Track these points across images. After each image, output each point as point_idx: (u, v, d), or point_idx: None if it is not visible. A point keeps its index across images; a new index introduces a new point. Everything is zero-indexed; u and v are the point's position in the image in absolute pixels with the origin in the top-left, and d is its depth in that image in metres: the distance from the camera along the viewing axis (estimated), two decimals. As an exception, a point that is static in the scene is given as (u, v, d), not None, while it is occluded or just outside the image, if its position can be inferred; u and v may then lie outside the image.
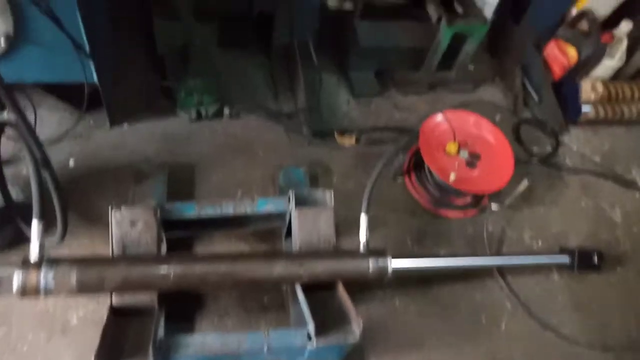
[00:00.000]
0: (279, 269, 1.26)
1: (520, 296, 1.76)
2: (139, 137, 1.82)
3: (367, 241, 1.42)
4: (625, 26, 2.30)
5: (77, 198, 1.58)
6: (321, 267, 1.33)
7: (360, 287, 1.65)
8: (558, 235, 1.97)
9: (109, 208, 1.25)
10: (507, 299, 1.76)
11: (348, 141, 2.04)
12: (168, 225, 1.44)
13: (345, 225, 1.66)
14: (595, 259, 1.85)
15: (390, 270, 1.41)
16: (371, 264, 1.38)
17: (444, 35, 2.05)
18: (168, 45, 1.78)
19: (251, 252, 1.39)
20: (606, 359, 1.69)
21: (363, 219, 1.41)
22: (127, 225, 1.24)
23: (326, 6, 2.17)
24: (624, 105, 2.37)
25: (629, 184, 2.23)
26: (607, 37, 2.25)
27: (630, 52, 2.39)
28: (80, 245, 1.50)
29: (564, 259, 1.82)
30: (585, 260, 1.83)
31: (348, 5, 2.18)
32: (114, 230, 1.24)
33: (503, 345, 1.64)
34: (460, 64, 2.25)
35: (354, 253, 1.41)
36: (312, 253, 1.38)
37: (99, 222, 1.53)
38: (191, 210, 1.37)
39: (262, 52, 2.17)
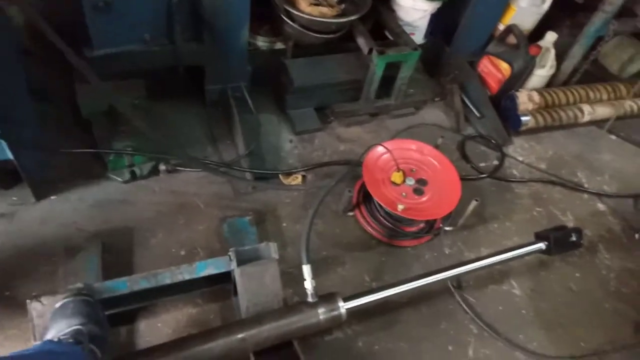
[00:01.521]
0: (219, 347, 1.17)
1: (484, 317, 1.73)
2: (68, 207, 1.71)
3: (314, 290, 1.37)
4: (550, 36, 2.38)
5: (1, 283, 1.47)
6: (267, 333, 1.26)
7: (322, 333, 1.59)
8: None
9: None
10: (471, 322, 1.72)
11: (294, 181, 2.00)
12: (106, 302, 1.34)
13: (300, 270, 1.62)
14: (574, 236, 1.83)
15: (343, 313, 1.37)
16: (321, 313, 1.34)
17: (377, 66, 2.06)
18: (92, 109, 1.70)
19: (183, 337, 1.29)
20: (574, 369, 1.67)
21: (305, 270, 1.37)
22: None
23: (257, 48, 2.15)
24: (560, 111, 2.43)
25: (576, 187, 2.26)
26: (534, 49, 2.32)
27: (559, 59, 2.47)
28: (7, 337, 1.38)
29: (540, 245, 1.79)
30: (562, 242, 1.81)
31: (279, 45, 2.16)
32: (36, 323, 1.14)
33: (473, 373, 1.60)
34: (398, 90, 2.26)
35: (301, 306, 1.36)
36: (254, 320, 1.31)
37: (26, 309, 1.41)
38: (123, 287, 1.28)
39: (196, 102, 2.12)
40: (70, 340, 1.11)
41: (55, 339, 1.11)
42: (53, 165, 1.73)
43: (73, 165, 1.78)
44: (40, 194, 1.68)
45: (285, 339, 1.32)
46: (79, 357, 1.08)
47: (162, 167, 1.84)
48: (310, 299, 1.38)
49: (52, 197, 1.74)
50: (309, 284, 1.38)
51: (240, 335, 1.24)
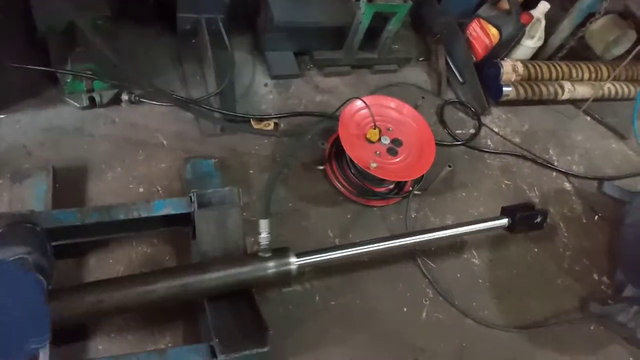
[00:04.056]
0: (161, 290, 1.12)
1: (442, 283, 1.75)
2: (18, 129, 1.57)
3: (268, 244, 1.32)
4: (543, 6, 2.31)
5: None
6: (212, 282, 1.22)
7: (279, 286, 1.57)
8: (478, 218, 1.97)
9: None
10: (428, 286, 1.74)
11: (266, 127, 1.91)
12: (53, 234, 1.25)
13: (272, 218, 1.55)
14: (539, 218, 1.83)
15: (294, 269, 1.34)
16: (271, 267, 1.30)
17: (365, 14, 1.94)
18: (50, 26, 1.53)
19: (123, 276, 1.24)
20: (520, 338, 1.72)
21: (262, 223, 1.31)
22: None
23: (238, -21, 1.98)
24: (542, 85, 2.40)
25: (546, 164, 2.28)
26: (526, 17, 2.24)
27: (547, 32, 2.42)
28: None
29: (504, 222, 1.78)
30: (526, 222, 1.81)
31: (262, -21, 2.00)
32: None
33: (423, 333, 1.62)
34: (383, 44, 2.16)
35: (251, 258, 1.31)
36: (199, 267, 1.25)
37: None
38: (72, 218, 1.20)
39: (166, 31, 1.95)
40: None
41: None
42: (5, 82, 1.56)
43: (25, 85, 1.62)
44: (-15, 111, 1.53)
45: (232, 290, 1.28)
46: (28, 282, 1.00)
47: (124, 96, 1.71)
48: (262, 253, 1.32)
49: (1, 116, 1.59)
50: (264, 237, 1.32)
51: (182, 281, 1.19)
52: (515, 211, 1.79)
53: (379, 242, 1.59)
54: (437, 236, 1.69)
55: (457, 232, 1.73)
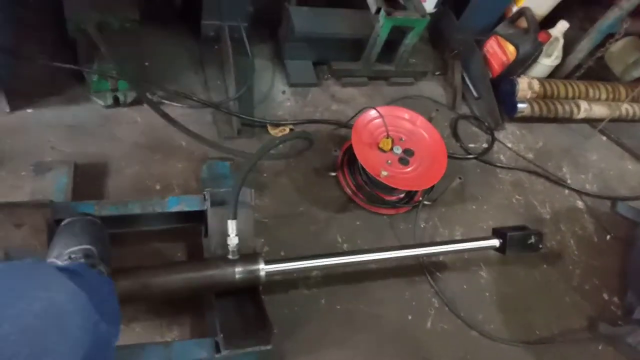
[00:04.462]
0: (121, 287, 1.12)
1: (448, 293, 1.75)
2: (43, 124, 1.64)
3: (236, 248, 1.30)
4: (561, 26, 2.33)
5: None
6: (174, 280, 1.24)
7: (288, 287, 1.60)
8: (488, 231, 1.96)
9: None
10: (434, 296, 1.75)
11: (281, 133, 1.96)
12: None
13: (282, 221, 1.64)
14: (533, 239, 1.74)
15: (262, 275, 1.32)
16: (238, 272, 1.29)
17: (383, 27, 1.98)
18: (80, 26, 1.60)
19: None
20: (526, 354, 1.71)
21: (230, 225, 1.28)
22: (10, 228, 1.10)
23: (261, -11, 2.05)
24: (558, 104, 2.41)
25: (558, 181, 2.27)
26: (544, 35, 2.27)
27: (565, 51, 2.43)
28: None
29: (494, 243, 1.71)
30: (518, 243, 1.72)
31: (285, -10, 2.07)
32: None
33: (427, 343, 1.63)
34: (400, 57, 2.20)
35: (218, 261, 1.30)
36: (164, 268, 1.28)
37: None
38: (90, 210, 1.25)
39: (190, 36, 2.03)
40: (82, 260, 1.08)
41: (65, 257, 1.08)
42: (29, 77, 1.64)
43: (52, 81, 1.70)
44: (15, 105, 1.61)
45: (198, 291, 1.30)
46: (99, 282, 1.05)
47: (148, 97, 1.77)
48: (230, 256, 1.31)
49: (28, 110, 1.67)
50: (232, 240, 1.29)
51: (144, 281, 1.20)
52: (506, 232, 1.71)
53: (353, 254, 1.53)
54: (420, 253, 1.64)
55: (443, 250, 1.69)
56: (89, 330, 0.77)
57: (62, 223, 1.18)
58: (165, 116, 1.61)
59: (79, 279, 0.88)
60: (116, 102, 1.75)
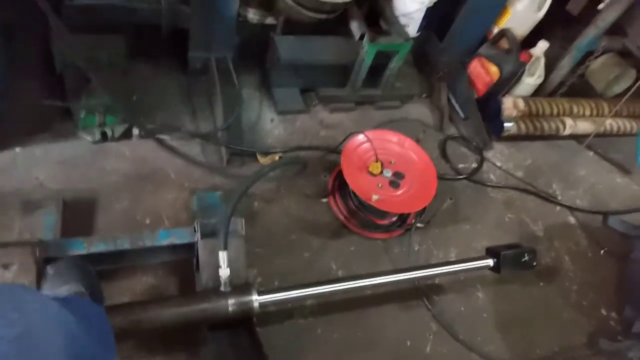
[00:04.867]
0: (117, 322, 1.11)
1: (446, 316, 1.74)
2: (32, 162, 1.63)
3: (228, 279, 1.29)
4: (542, 45, 2.37)
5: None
6: (166, 316, 1.21)
7: (284, 318, 1.57)
8: (482, 251, 1.95)
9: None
10: (432, 320, 1.73)
11: (271, 161, 1.96)
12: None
13: (274, 250, 1.63)
14: (527, 257, 1.73)
15: (255, 306, 1.30)
16: (231, 304, 1.27)
17: (368, 53, 2.02)
18: (68, 62, 1.61)
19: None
20: (528, 376, 1.70)
21: (221, 256, 1.26)
22: (-2, 268, 1.09)
23: (247, 20, 2.08)
24: (543, 121, 2.44)
25: (549, 198, 2.28)
26: (525, 55, 2.31)
27: (547, 70, 2.48)
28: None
29: (488, 262, 1.71)
30: (512, 261, 1.72)
31: (270, 20, 2.10)
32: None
33: (427, 370, 1.60)
34: (386, 81, 2.23)
35: (210, 294, 1.29)
36: (156, 302, 1.26)
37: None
38: (79, 247, 1.23)
39: (177, 68, 2.05)
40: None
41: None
42: (16, 115, 1.64)
43: (41, 118, 1.70)
44: (2, 145, 1.60)
45: (192, 323, 1.27)
46: (91, 308, 1.03)
47: (135, 131, 1.77)
48: (222, 288, 1.29)
49: (16, 149, 1.66)
50: (223, 272, 1.28)
51: (135, 316, 1.18)
52: (499, 251, 1.71)
53: (348, 281, 1.52)
54: (415, 276, 1.63)
55: (438, 272, 1.68)
56: (71, 354, 0.75)
57: (47, 267, 1.16)
58: (162, 144, 1.60)
59: (71, 305, 0.86)
60: (104, 137, 1.75)
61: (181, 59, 2.02)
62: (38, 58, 1.75)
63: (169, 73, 2.06)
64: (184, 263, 1.51)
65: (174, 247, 1.40)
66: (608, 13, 2.21)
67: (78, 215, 1.56)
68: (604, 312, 1.97)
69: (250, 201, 1.81)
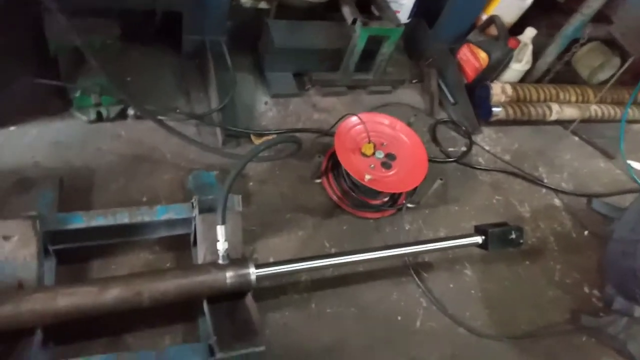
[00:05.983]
0: (113, 295, 1.14)
1: (435, 293, 1.79)
2: (27, 141, 1.64)
3: (226, 253, 1.31)
4: (529, 32, 2.43)
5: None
6: (166, 287, 1.24)
7: (278, 293, 1.61)
8: (471, 231, 2.01)
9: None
10: (422, 296, 1.78)
11: (265, 143, 1.98)
12: (59, 237, 1.31)
13: (270, 228, 1.66)
14: (514, 234, 1.79)
15: (253, 279, 1.34)
16: (229, 277, 1.30)
17: (360, 37, 2.05)
18: (61, 45, 1.61)
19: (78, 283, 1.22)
20: (511, 349, 1.75)
21: (219, 230, 1.29)
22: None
23: (240, 4, 2.10)
24: (530, 106, 2.50)
25: (535, 181, 2.35)
26: (513, 42, 2.37)
27: (535, 56, 2.54)
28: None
29: (477, 239, 1.75)
30: (500, 238, 1.77)
31: (263, 4, 2.12)
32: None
33: (418, 342, 1.65)
34: (378, 66, 2.27)
35: (209, 267, 1.31)
36: (155, 275, 1.28)
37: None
38: (79, 221, 1.25)
39: (171, 51, 2.06)
40: None
41: None
42: (10, 95, 1.64)
43: (35, 99, 1.70)
44: (-2, 121, 1.61)
45: (190, 296, 1.30)
46: None
47: (130, 111, 1.79)
48: (220, 261, 1.32)
49: (11, 128, 1.67)
50: (221, 246, 1.31)
51: (134, 288, 1.20)
52: (487, 229, 1.75)
53: (341, 256, 1.56)
54: (406, 252, 1.68)
55: (428, 249, 1.73)
56: None
57: None
58: (158, 124, 1.62)
59: None
60: (99, 117, 1.76)
61: (175, 43, 2.04)
62: (31, 40, 1.75)
63: (163, 56, 2.08)
64: (180, 239, 1.54)
65: (171, 223, 1.43)
66: (593, 1, 2.27)
67: (75, 193, 1.58)
68: (586, 290, 2.04)
69: (245, 182, 1.85)
